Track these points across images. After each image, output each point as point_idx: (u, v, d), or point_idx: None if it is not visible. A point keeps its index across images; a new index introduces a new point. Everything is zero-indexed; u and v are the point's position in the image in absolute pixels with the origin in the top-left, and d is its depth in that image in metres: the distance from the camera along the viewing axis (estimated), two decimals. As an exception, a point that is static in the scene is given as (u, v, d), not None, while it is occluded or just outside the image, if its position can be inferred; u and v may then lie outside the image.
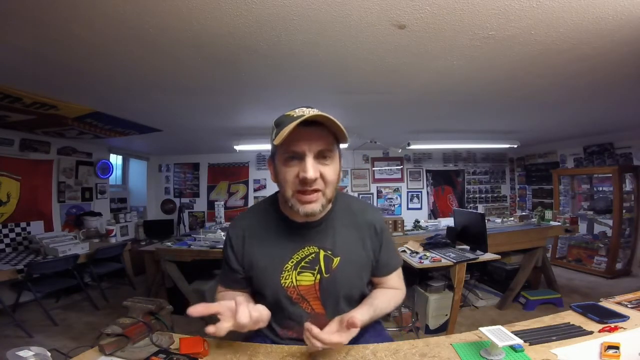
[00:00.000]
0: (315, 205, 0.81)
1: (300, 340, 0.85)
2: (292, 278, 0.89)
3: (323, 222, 0.91)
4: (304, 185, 0.79)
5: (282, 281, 0.89)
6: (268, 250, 0.91)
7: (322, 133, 0.80)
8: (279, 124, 0.81)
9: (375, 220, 0.97)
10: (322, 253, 0.90)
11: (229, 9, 1.27)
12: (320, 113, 0.77)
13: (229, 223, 4.03)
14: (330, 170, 0.82)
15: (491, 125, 3.77)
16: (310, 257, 0.90)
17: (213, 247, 2.77)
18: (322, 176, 0.80)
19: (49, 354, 0.79)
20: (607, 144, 4.33)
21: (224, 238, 0.99)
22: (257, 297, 0.97)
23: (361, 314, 0.81)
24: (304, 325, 0.77)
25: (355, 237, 0.94)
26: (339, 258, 0.90)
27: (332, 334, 0.75)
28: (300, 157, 0.79)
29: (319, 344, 0.73)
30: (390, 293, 1.00)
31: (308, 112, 0.78)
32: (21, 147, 3.45)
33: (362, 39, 1.54)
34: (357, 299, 0.95)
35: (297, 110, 0.80)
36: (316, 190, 0.81)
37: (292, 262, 0.90)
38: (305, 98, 2.55)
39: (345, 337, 0.75)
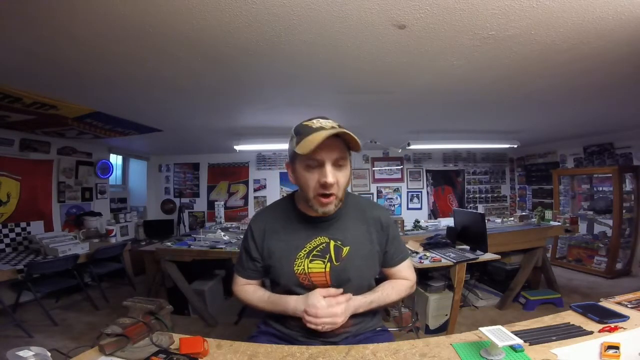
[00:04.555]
0: (331, 206, 0.94)
1: (310, 331, 0.95)
2: (304, 265, 0.99)
3: (334, 217, 1.01)
4: (324, 189, 0.91)
5: (295, 268, 0.99)
6: (285, 241, 1.02)
7: (338, 143, 0.91)
8: (300, 133, 0.91)
9: (381, 215, 1.07)
10: (332, 243, 1.00)
11: (229, 9, 1.27)
12: (341, 130, 0.88)
13: (229, 223, 4.07)
14: (343, 175, 0.94)
15: (491, 125, 3.77)
16: (321, 247, 1.00)
17: (213, 247, 2.77)
18: (336, 181, 0.92)
19: (49, 354, 0.79)
20: (607, 144, 4.33)
21: (245, 232, 1.12)
22: (273, 287, 1.07)
23: (355, 298, 0.97)
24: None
25: (363, 230, 1.04)
26: (348, 248, 1.00)
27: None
28: (321, 165, 0.90)
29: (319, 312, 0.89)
30: (395, 282, 1.09)
31: (326, 124, 0.90)
32: (21, 147, 3.45)
33: (362, 39, 1.54)
34: (365, 290, 1.03)
35: (314, 121, 0.91)
36: (332, 194, 0.92)
37: (305, 250, 1.00)
38: (305, 98, 2.54)
39: (338, 308, 0.91)
